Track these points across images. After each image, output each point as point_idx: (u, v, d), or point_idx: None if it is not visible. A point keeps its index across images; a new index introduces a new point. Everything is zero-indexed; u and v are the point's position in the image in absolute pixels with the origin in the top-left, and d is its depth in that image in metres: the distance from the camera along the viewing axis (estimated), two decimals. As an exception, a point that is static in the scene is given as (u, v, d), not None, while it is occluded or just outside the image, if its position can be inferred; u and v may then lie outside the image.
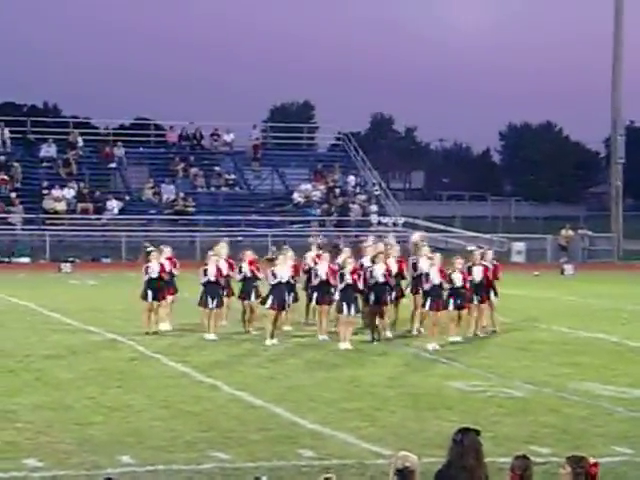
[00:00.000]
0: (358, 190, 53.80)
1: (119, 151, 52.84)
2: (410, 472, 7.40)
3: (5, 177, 49.09)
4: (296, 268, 22.38)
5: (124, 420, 13.81)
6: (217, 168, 53.39)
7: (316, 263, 22.25)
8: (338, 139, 59.68)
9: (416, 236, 26.93)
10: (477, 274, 22.34)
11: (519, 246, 50.49)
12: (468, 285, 21.78)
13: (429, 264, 21.33)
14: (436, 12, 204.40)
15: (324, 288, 21.52)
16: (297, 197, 52.74)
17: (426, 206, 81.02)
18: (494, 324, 22.96)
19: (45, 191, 48.65)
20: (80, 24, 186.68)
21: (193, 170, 52.88)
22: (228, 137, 55.81)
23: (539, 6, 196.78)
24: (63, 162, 51.08)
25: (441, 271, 20.99)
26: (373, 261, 21.75)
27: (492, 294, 22.76)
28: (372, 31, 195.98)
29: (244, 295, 22.27)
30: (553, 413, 14.74)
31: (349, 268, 20.65)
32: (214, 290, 21.55)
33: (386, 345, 20.89)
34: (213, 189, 52.82)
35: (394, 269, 22.15)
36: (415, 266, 22.56)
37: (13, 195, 47.79)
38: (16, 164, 50.08)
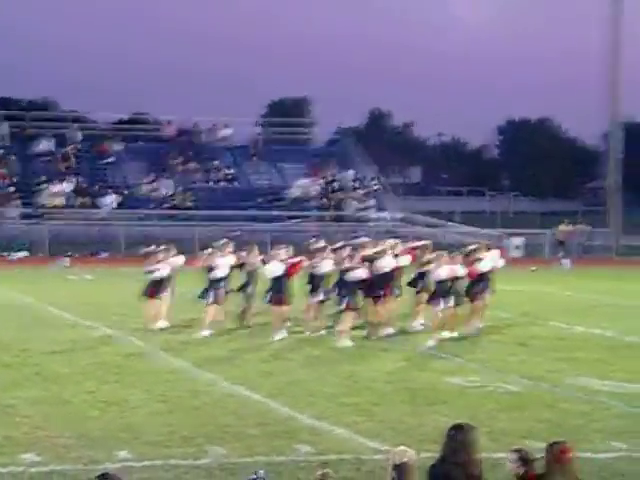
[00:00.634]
0: (356, 185, 53.79)
1: (117, 146, 52.82)
2: (408, 467, 7.43)
3: (3, 171, 49.08)
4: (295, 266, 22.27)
5: (122, 415, 13.83)
6: (215, 163, 53.37)
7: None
8: (336, 134, 59.73)
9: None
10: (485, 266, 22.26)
11: (517, 241, 50.53)
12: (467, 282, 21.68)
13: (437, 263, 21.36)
14: (434, 7, 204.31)
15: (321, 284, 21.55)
16: (295, 192, 52.75)
17: (424, 201, 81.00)
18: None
19: (43, 185, 48.64)
20: (78, 18, 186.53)
21: (191, 165, 52.87)
22: (226, 132, 55.78)
23: (537, 0, 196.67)
24: (61, 156, 51.07)
25: (446, 267, 20.86)
26: (376, 256, 21.65)
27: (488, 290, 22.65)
28: (369, 27, 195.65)
29: (244, 289, 22.29)
30: (550, 408, 14.76)
31: (355, 262, 20.73)
32: (216, 285, 21.54)
33: (385, 341, 20.87)
34: (211, 184, 52.81)
35: (406, 262, 22.28)
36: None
37: (11, 189, 47.78)
38: (14, 158, 50.07)
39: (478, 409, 14.36)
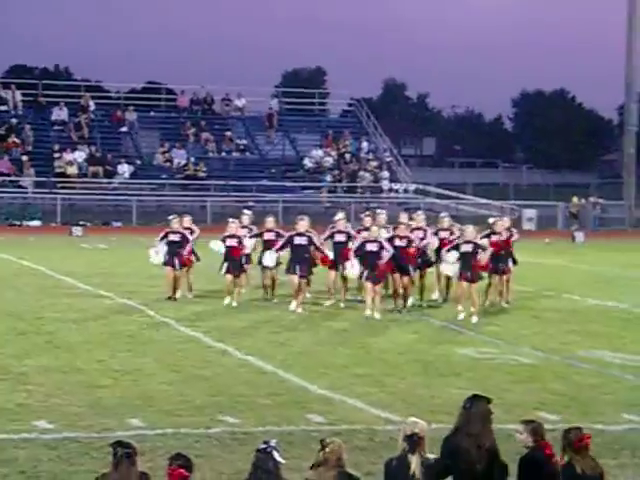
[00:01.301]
0: (370, 157, 53.66)
1: (130, 115, 52.76)
2: (419, 438, 7.43)
3: (16, 140, 49.09)
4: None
5: (134, 383, 13.87)
6: (228, 133, 53.27)
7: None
8: (350, 105, 59.47)
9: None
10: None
11: (530, 213, 50.38)
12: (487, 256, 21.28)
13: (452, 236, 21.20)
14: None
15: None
16: (308, 163, 52.64)
17: (437, 173, 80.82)
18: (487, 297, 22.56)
19: (56, 154, 48.66)
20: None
21: (204, 135, 52.79)
22: (239, 102, 55.66)
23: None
24: (74, 125, 51.04)
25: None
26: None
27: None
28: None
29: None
30: (562, 380, 14.75)
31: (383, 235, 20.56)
32: (233, 258, 21.43)
33: (400, 313, 20.76)
34: (224, 154, 52.74)
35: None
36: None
37: (25, 158, 47.80)
38: (27, 127, 50.06)
39: (490, 381, 14.35)
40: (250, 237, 22.16)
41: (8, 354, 15.68)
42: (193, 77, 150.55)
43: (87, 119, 51.65)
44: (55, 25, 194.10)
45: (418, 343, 17.63)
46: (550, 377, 14.94)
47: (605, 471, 7.75)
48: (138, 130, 52.82)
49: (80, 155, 49.10)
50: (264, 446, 6.91)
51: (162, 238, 22.19)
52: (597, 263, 33.60)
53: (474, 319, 19.82)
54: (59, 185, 46.91)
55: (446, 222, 23.04)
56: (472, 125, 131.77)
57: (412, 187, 52.59)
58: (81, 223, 42.45)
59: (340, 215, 23.12)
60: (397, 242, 20.78)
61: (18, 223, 44.26)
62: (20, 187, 46.86)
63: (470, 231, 20.77)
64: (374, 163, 52.96)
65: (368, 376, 14.67)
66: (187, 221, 22.98)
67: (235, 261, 21.44)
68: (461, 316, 20.04)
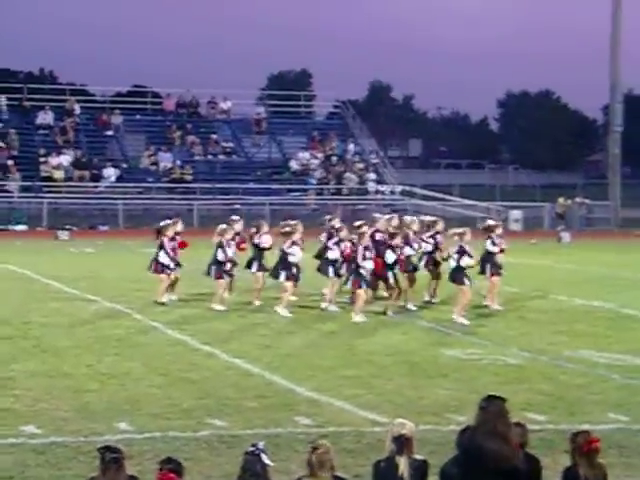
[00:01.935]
0: (356, 159, 53.69)
1: (116, 119, 52.70)
2: (407, 439, 7.44)
3: (2, 145, 48.97)
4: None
5: (121, 387, 13.86)
6: (214, 136, 53.26)
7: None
8: (336, 107, 59.54)
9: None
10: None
11: (516, 214, 50.52)
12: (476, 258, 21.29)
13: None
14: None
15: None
16: (294, 165, 52.66)
17: (424, 174, 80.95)
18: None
19: (42, 159, 48.55)
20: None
21: (190, 138, 52.77)
22: (225, 105, 55.65)
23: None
24: (60, 129, 50.96)
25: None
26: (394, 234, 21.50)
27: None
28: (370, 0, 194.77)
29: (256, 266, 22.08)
30: (549, 380, 14.80)
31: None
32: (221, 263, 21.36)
33: (386, 315, 20.75)
34: (210, 157, 52.72)
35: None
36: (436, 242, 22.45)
37: (10, 163, 47.69)
38: (12, 131, 49.95)
39: (477, 382, 14.36)
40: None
41: (-5, 359, 15.64)
42: (179, 80, 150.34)
43: (72, 123, 51.57)
44: (39, 29, 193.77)
45: (405, 344, 17.65)
46: (537, 377, 14.98)
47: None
48: (124, 134, 52.76)
49: (66, 159, 49.01)
50: (252, 449, 6.92)
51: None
52: (583, 263, 33.69)
53: (461, 320, 19.88)
54: (45, 189, 46.82)
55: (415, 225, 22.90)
56: (458, 126, 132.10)
57: (398, 189, 52.66)
58: (67, 227, 42.34)
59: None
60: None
61: (4, 227, 44.12)
62: (6, 191, 46.73)
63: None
64: (360, 165, 53.03)
65: (355, 378, 14.69)
66: (180, 226, 22.88)
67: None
68: (459, 320, 19.98)
